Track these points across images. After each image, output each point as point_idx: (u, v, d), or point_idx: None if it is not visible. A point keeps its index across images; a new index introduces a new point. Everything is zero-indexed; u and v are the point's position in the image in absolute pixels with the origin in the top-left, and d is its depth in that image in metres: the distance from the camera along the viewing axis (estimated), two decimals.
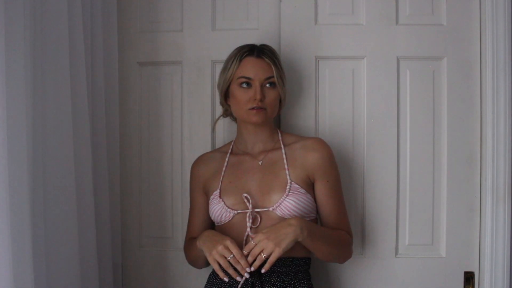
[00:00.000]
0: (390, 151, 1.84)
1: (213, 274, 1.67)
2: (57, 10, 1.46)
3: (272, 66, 1.63)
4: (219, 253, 1.48)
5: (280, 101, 1.69)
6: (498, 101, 1.76)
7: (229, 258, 1.47)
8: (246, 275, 1.49)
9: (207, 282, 1.69)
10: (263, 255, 1.46)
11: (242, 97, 1.62)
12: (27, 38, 1.28)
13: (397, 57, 1.84)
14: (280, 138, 1.71)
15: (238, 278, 1.50)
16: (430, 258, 1.85)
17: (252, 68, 1.62)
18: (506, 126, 1.75)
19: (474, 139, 1.83)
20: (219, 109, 1.85)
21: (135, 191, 1.94)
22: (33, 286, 1.28)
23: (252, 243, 1.48)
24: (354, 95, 1.85)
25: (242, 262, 1.47)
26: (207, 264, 1.70)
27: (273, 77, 1.62)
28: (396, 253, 1.86)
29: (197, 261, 1.71)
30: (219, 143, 1.88)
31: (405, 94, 1.84)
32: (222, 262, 1.48)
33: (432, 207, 1.84)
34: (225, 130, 1.89)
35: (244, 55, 1.63)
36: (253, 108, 1.60)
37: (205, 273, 1.75)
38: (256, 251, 1.46)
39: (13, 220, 1.21)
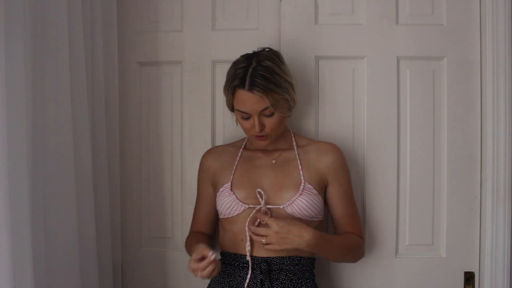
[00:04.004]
0: (390, 151, 1.84)
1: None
2: (57, 10, 1.46)
3: (265, 98, 1.53)
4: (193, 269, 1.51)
5: (289, 105, 1.63)
6: (498, 101, 1.76)
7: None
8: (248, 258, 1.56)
9: (209, 282, 1.69)
10: (263, 241, 1.50)
11: (244, 125, 1.62)
12: (27, 38, 1.28)
13: (397, 57, 1.84)
14: (293, 139, 1.72)
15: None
16: (430, 258, 1.85)
17: (246, 103, 1.56)
18: (506, 126, 1.75)
19: (474, 139, 1.83)
20: (219, 109, 1.86)
21: (135, 191, 1.94)
22: (33, 286, 1.28)
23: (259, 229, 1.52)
24: (354, 95, 1.85)
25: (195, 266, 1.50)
26: None
27: (268, 107, 1.56)
28: (396, 253, 1.86)
29: None
30: (219, 143, 1.88)
31: (405, 94, 1.84)
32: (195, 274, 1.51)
33: (432, 207, 1.84)
34: (225, 129, 1.89)
35: (236, 88, 1.56)
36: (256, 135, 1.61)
37: None
38: (260, 231, 1.51)
39: (13, 220, 1.21)
